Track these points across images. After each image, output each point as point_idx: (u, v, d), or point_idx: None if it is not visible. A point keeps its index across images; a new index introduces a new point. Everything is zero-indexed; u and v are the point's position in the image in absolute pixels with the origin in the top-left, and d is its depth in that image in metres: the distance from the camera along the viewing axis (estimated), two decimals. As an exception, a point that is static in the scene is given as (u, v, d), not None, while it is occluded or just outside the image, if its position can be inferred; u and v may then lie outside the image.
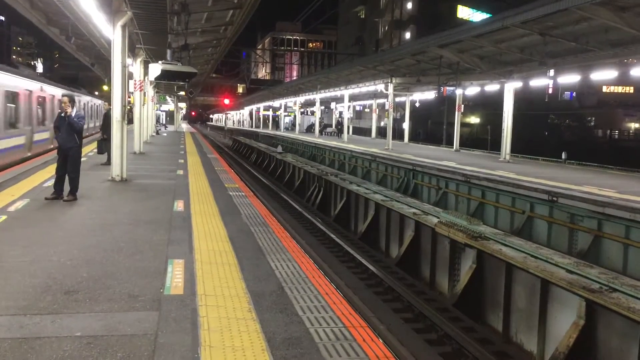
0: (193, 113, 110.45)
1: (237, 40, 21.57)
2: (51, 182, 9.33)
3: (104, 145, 14.09)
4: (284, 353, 3.67)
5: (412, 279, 10.25)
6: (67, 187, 8.97)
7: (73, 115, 8.85)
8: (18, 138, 16.15)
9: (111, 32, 11.43)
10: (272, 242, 6.85)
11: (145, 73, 18.66)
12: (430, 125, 48.98)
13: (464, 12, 52.90)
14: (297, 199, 19.00)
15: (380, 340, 4.03)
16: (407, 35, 56.19)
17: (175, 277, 5.13)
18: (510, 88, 18.51)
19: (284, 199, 18.63)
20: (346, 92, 29.68)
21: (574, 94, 48.42)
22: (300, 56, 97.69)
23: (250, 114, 69.48)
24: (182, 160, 17.07)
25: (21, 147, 16.56)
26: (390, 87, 22.88)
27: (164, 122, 56.45)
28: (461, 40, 16.24)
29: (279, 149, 28.72)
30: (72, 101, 8.93)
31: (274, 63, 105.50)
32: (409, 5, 57.52)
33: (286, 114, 55.81)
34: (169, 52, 13.76)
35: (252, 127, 64.56)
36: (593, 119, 45.80)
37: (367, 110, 52.23)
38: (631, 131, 45.45)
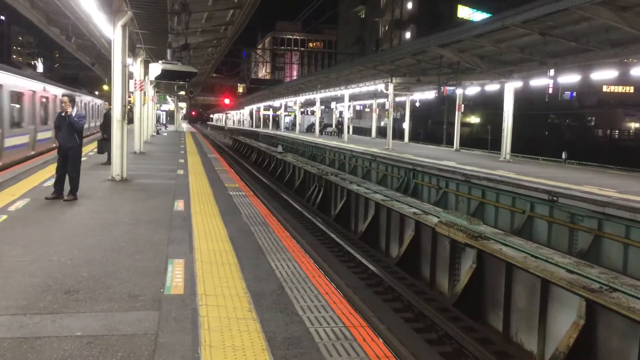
0: (193, 113, 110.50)
1: (237, 40, 21.57)
2: (51, 182, 9.34)
3: (104, 145, 14.10)
4: (284, 353, 3.67)
5: (412, 278, 10.25)
6: (67, 187, 8.98)
7: (73, 115, 8.86)
8: (23, 137, 16.54)
9: (111, 31, 11.44)
10: (272, 241, 6.85)
11: (146, 73, 18.67)
12: (431, 125, 48.98)
13: (464, 12, 52.90)
14: (297, 198, 19.00)
15: (381, 340, 4.03)
16: (408, 35, 56.19)
17: (175, 277, 5.13)
18: (511, 88, 18.51)
19: (284, 199, 18.63)
20: (346, 92, 29.67)
21: (574, 93, 48.42)
22: (301, 56, 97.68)
23: (251, 113, 69.47)
24: (182, 160, 17.07)
25: (25, 145, 16.93)
26: (391, 86, 22.88)
27: (164, 122, 56.48)
28: (461, 40, 16.24)
29: (279, 148, 28.71)
30: (72, 101, 8.94)
31: (274, 63, 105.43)
32: (409, 5, 57.52)
33: (286, 113, 55.81)
34: (169, 51, 13.76)
35: (252, 126, 64.56)
36: (593, 118, 45.79)
37: (367, 110, 52.24)
38: (631, 131, 45.43)
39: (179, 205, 8.92)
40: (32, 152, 17.50)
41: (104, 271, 5.21)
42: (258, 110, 62.44)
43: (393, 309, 8.51)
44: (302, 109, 51.01)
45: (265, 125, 63.17)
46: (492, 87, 21.50)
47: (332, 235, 12.96)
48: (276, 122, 62.48)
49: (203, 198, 9.81)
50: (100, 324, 3.97)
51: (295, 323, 4.20)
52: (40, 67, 74.23)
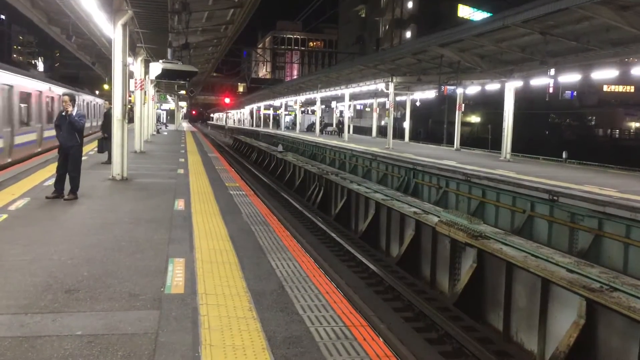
0: (194, 112, 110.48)
1: (237, 39, 21.55)
2: (52, 181, 9.34)
3: (105, 144, 14.11)
4: (284, 352, 3.68)
5: (413, 278, 10.25)
6: (67, 186, 8.98)
7: (74, 114, 8.87)
8: (31, 134, 17.39)
9: (112, 31, 11.44)
10: (272, 241, 6.85)
11: (146, 72, 18.69)
12: (431, 125, 48.97)
13: (464, 11, 52.85)
14: (298, 198, 19.00)
15: (381, 339, 4.04)
16: (408, 34, 56.17)
17: (175, 276, 5.14)
18: (511, 87, 18.50)
19: (284, 198, 18.63)
20: (347, 91, 29.66)
21: (575, 93, 48.39)
22: (301, 55, 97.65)
23: (251, 113, 69.49)
24: (182, 159, 17.08)
25: (34, 142, 17.73)
26: (391, 86, 22.87)
27: (164, 121, 56.50)
28: (462, 39, 16.23)
29: (280, 148, 28.69)
30: (72, 100, 8.95)
31: (274, 62, 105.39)
32: (410, 5, 57.51)
33: (287, 113, 55.80)
34: (169, 51, 13.77)
35: (252, 126, 64.57)
36: (594, 118, 45.80)
37: (367, 109, 52.22)
38: (632, 130, 45.42)
39: (180, 204, 8.92)
40: (39, 149, 18.12)
41: (105, 270, 5.21)
42: (258, 109, 62.47)
43: (393, 309, 8.51)
44: (303, 109, 50.98)
45: (266, 124, 63.19)
46: (492, 86, 21.47)
47: (333, 235, 12.96)
48: (276, 122, 62.47)
49: (203, 197, 9.81)
50: (100, 323, 3.97)
51: (295, 322, 4.20)
52: (40, 67, 74.19)
